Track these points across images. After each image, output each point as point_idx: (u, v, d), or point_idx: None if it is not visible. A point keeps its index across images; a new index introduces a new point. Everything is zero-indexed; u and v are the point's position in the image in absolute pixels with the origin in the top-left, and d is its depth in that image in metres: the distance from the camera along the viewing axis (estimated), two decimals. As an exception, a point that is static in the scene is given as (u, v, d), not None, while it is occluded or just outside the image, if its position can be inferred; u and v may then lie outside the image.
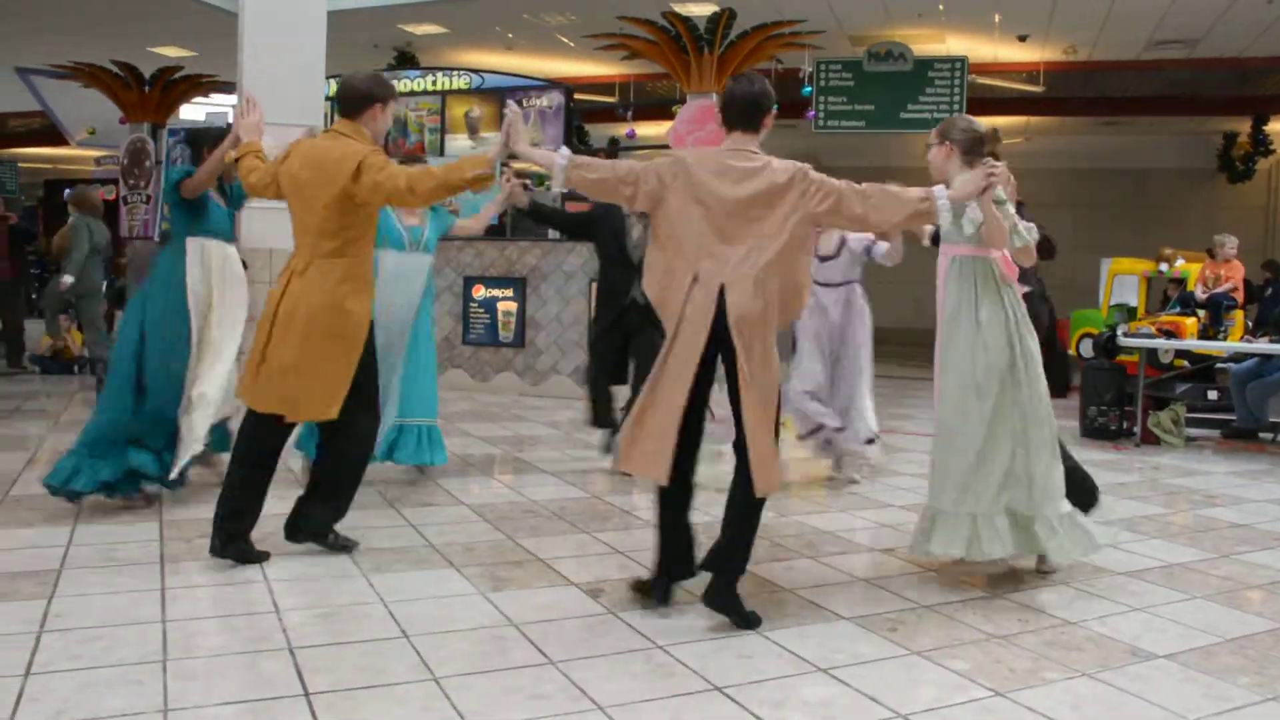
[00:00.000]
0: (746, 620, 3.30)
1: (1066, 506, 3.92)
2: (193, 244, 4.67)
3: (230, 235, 4.90)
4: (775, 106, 3.52)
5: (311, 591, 3.56)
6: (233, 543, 3.78)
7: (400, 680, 2.80)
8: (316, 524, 3.97)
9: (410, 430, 5.22)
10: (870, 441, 5.63)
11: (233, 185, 4.87)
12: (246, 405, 3.84)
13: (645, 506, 5.04)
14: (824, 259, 5.67)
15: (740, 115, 3.40)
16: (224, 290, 4.74)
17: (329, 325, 3.73)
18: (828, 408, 5.64)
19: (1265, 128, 16.75)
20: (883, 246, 5.53)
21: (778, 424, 3.39)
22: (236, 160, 4.09)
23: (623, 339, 5.71)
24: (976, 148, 3.84)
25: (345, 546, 4.02)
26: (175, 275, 4.64)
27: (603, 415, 5.88)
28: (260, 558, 3.82)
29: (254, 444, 3.84)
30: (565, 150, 3.45)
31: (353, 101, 3.87)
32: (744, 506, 3.36)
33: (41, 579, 3.55)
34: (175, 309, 4.59)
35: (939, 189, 3.40)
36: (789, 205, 3.30)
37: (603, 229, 5.75)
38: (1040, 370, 3.91)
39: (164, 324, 4.56)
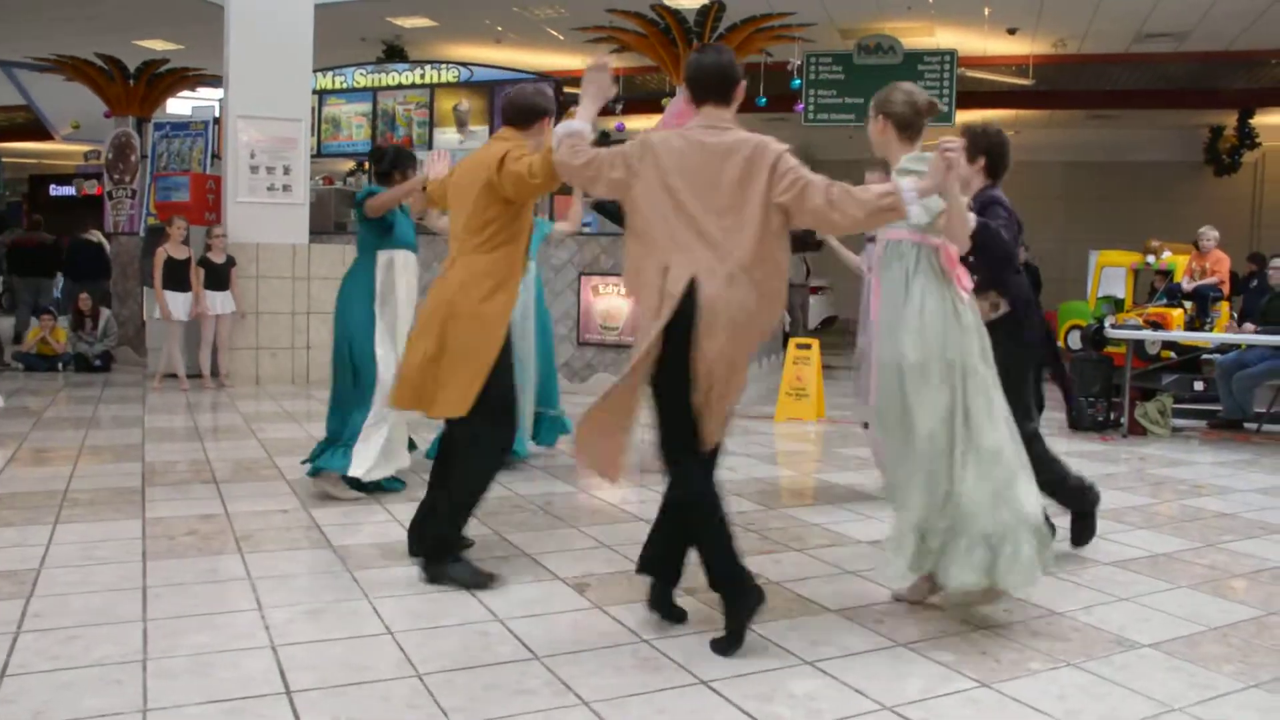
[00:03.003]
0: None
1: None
2: (382, 256, 4.87)
3: (414, 247, 5.13)
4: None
5: (296, 589, 3.54)
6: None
7: (384, 677, 2.79)
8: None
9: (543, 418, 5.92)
10: None
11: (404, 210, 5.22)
12: None
13: (633, 501, 5.03)
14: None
15: (711, 87, 3.10)
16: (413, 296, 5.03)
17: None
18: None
19: (1251, 121, 16.82)
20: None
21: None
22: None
23: None
24: (916, 121, 3.35)
25: (468, 581, 3.60)
26: (366, 287, 4.84)
27: None
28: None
29: None
30: (575, 125, 3.20)
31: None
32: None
33: (20, 578, 3.52)
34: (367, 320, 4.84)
35: (906, 183, 2.99)
36: (761, 187, 2.97)
37: None
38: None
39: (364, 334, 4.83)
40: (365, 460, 4.74)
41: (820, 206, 2.96)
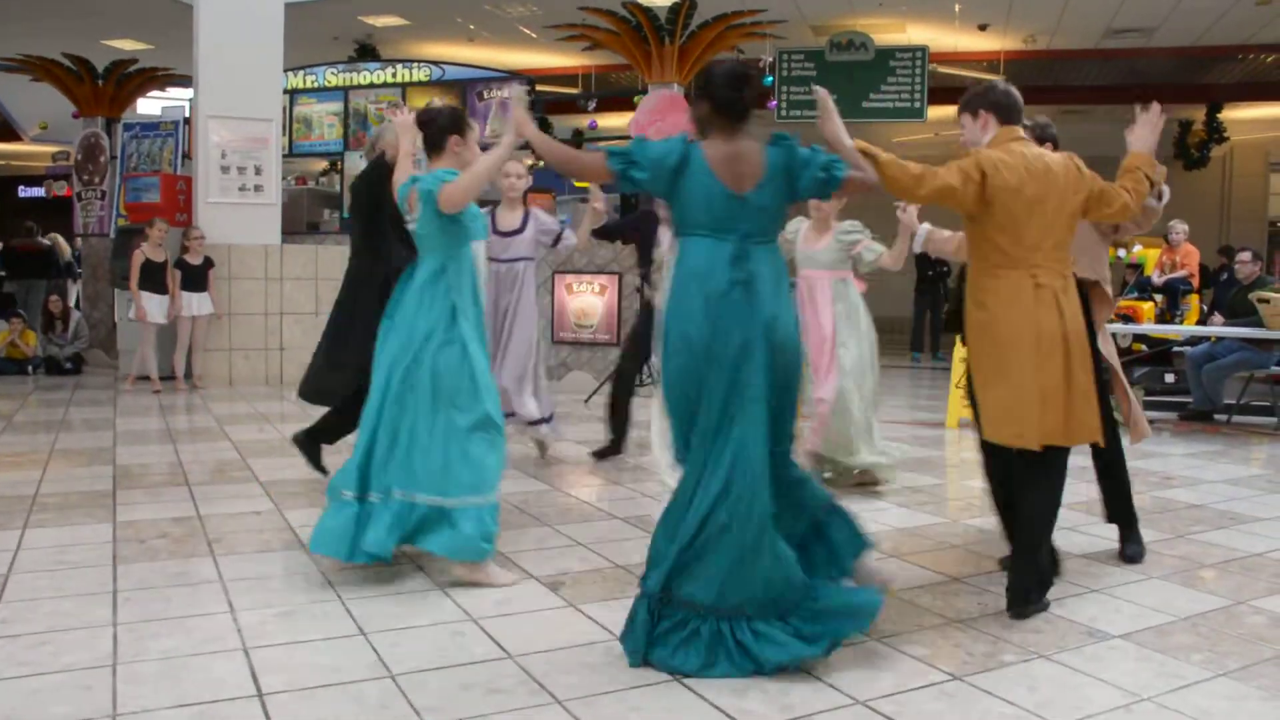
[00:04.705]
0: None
1: None
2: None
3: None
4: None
5: (268, 590, 3.51)
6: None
7: (356, 679, 2.77)
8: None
9: None
10: (537, 423, 5.71)
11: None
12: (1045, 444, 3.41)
13: (608, 500, 5.04)
14: (507, 234, 5.69)
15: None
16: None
17: None
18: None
19: (1219, 115, 16.99)
20: (574, 238, 5.71)
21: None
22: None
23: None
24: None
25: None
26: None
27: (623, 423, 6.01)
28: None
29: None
30: None
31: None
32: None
33: (-11, 583, 3.48)
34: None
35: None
36: None
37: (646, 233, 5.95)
38: None
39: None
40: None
41: None
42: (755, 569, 2.85)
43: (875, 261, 5.25)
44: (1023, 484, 3.49)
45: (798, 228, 5.37)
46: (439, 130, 3.79)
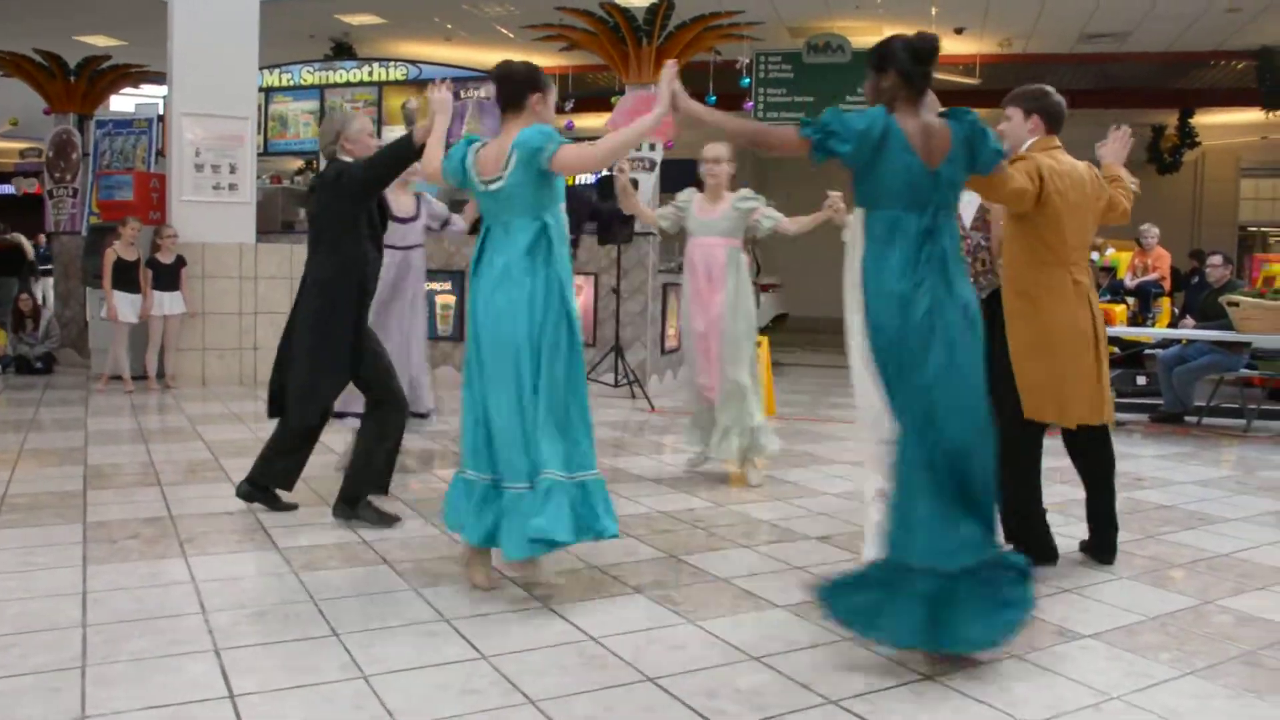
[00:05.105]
0: None
1: None
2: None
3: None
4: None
5: (241, 591, 3.49)
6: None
7: (329, 679, 2.76)
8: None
9: None
10: (423, 415, 5.57)
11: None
12: (1087, 422, 3.98)
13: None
14: (403, 220, 5.61)
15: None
16: None
17: None
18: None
19: (1191, 120, 17.19)
20: (461, 224, 5.70)
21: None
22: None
23: None
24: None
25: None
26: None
27: None
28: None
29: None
30: None
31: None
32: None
33: (-44, 584, 3.44)
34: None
35: None
36: None
37: None
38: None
39: None
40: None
41: None
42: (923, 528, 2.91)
43: (773, 228, 5.35)
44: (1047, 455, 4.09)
45: (689, 197, 5.41)
46: (518, 85, 3.46)
